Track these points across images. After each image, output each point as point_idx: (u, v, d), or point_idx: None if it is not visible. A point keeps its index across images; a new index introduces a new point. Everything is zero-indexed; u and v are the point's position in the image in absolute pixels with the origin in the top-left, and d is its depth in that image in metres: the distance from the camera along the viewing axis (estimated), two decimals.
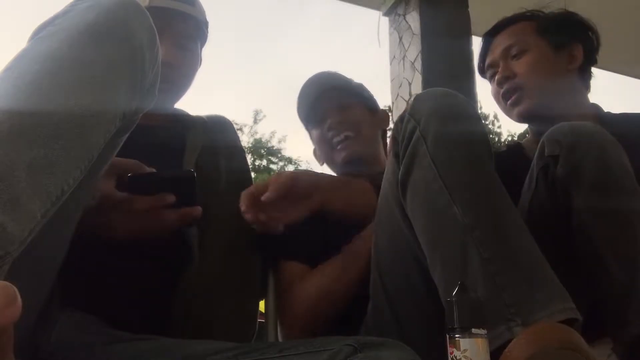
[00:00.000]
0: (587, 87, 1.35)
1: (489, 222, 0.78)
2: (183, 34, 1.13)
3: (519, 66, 1.29)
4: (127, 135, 0.76)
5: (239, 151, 1.24)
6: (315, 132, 1.40)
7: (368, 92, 1.45)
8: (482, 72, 1.42)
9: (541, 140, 0.98)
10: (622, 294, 0.86)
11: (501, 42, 1.34)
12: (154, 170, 0.95)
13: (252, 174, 1.36)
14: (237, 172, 1.18)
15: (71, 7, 0.70)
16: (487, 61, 1.37)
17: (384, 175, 0.98)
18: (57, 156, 0.58)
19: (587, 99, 1.34)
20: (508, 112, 1.33)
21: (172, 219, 0.93)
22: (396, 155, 0.92)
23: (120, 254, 0.95)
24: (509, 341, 0.68)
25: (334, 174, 1.39)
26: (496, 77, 1.32)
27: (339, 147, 1.32)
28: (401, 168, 0.89)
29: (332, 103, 1.36)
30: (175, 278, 0.99)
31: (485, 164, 0.86)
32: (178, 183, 0.94)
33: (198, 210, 0.94)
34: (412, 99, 0.97)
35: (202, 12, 1.18)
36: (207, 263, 1.02)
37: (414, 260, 0.88)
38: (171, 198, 0.91)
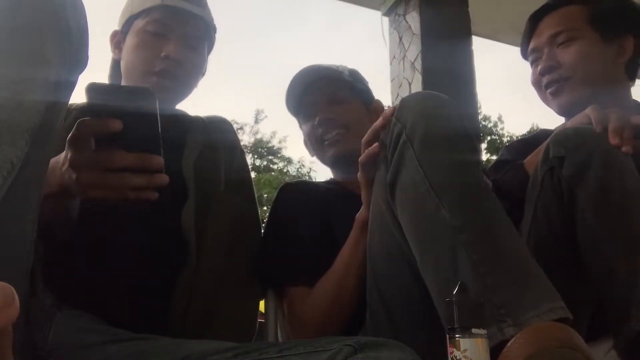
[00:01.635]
0: (633, 81, 1.27)
1: (477, 224, 0.79)
2: (192, 35, 1.15)
3: (566, 56, 1.23)
4: (67, 101, 0.74)
5: (239, 151, 1.24)
6: (305, 127, 1.36)
7: (362, 82, 1.37)
8: (525, 55, 1.34)
9: (546, 143, 0.98)
10: (625, 291, 0.86)
11: (549, 27, 1.26)
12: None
13: (253, 174, 1.36)
14: (236, 172, 1.18)
15: None
16: (531, 45, 1.29)
17: (375, 179, 0.98)
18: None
19: (630, 95, 1.26)
20: (548, 102, 1.29)
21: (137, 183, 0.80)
22: (384, 159, 0.93)
23: (119, 252, 0.96)
24: (501, 342, 0.68)
25: (324, 166, 1.36)
26: (540, 66, 1.26)
27: (327, 143, 1.28)
28: (389, 171, 0.90)
29: (322, 97, 1.30)
30: (173, 277, 0.99)
31: (472, 165, 0.87)
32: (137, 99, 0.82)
33: (164, 178, 0.81)
34: (398, 102, 0.97)
35: (211, 16, 1.20)
36: (207, 263, 1.02)
37: (406, 262, 0.89)
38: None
